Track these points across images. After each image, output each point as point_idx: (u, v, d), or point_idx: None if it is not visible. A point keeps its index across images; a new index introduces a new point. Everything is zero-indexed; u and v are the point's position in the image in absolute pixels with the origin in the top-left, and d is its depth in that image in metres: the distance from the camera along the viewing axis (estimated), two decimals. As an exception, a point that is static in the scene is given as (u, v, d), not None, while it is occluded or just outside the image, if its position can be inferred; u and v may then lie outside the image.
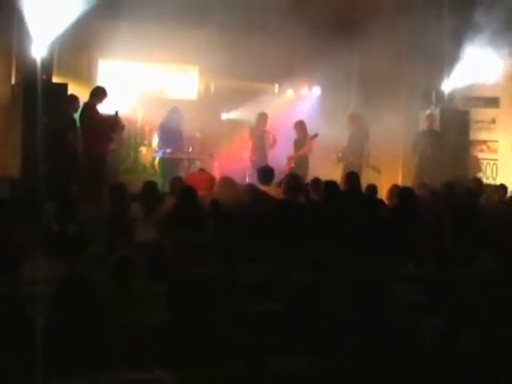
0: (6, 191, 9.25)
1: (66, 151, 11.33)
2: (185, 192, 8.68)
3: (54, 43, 11.58)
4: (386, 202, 9.99)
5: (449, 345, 4.59)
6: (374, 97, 15.23)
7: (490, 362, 4.47)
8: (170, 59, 14.87)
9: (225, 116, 15.80)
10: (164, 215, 8.58)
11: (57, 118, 11.24)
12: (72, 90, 12.02)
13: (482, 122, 15.29)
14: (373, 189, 10.37)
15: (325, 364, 4.24)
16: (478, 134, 15.26)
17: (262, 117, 14.14)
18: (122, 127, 12.07)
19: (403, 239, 8.16)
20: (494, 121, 15.17)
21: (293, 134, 14.26)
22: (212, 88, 15.96)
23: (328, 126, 14.34)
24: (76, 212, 7.79)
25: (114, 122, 11.77)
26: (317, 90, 16.45)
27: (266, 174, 10.28)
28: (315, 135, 13.80)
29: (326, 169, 14.09)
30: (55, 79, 11.96)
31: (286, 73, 15.50)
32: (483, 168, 15.15)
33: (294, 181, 9.79)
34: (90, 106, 11.64)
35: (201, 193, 9.11)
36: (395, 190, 10.11)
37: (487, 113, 15.22)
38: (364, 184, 10.61)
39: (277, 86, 16.51)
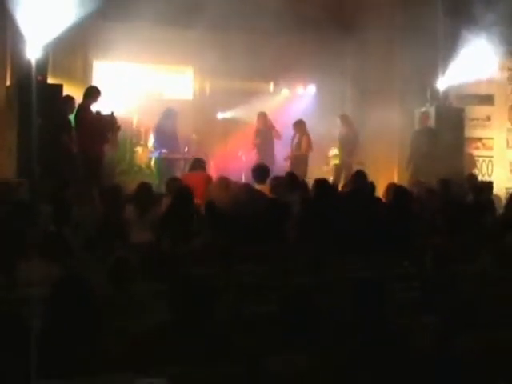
0: (2, 193, 9.23)
1: (61, 152, 11.32)
2: (180, 193, 8.69)
3: (48, 44, 11.56)
4: (384, 199, 10.00)
5: (446, 343, 4.60)
6: (369, 95, 15.26)
7: (488, 361, 4.48)
8: (164, 60, 14.87)
9: (220, 116, 15.80)
10: (159, 216, 8.58)
11: (52, 119, 11.23)
12: (67, 91, 12.01)
13: (477, 119, 15.29)
14: (371, 187, 10.38)
15: (323, 364, 4.25)
16: (473, 132, 15.26)
17: (263, 116, 14.25)
18: (118, 128, 12.06)
19: (399, 237, 8.17)
20: (488, 118, 15.17)
21: (288, 133, 14.27)
22: (207, 88, 15.95)
23: (323, 125, 14.37)
24: (71, 214, 7.81)
25: (109, 122, 11.75)
26: (312, 89, 16.45)
27: (261, 172, 10.29)
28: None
29: (321, 167, 14.15)
30: (50, 80, 11.94)
31: (280, 72, 15.51)
32: (478, 165, 15.16)
33: (277, 180, 9.80)
34: (85, 107, 11.63)
35: (197, 192, 9.12)
36: (392, 189, 10.14)
37: (482, 110, 15.23)
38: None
39: (272, 85, 16.51)
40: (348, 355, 4.30)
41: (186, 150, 13.83)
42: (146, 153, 14.36)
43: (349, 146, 14.38)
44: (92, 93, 11.72)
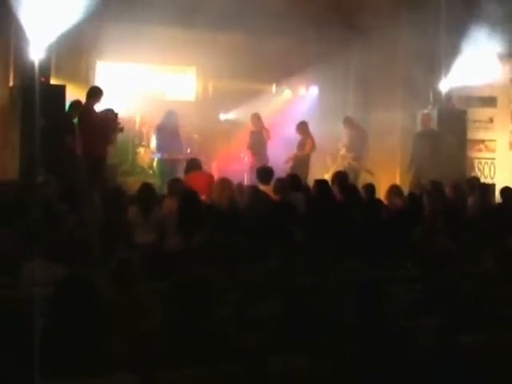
0: (5, 193, 9.25)
1: (64, 153, 11.34)
2: (187, 196, 8.71)
3: (51, 45, 11.58)
4: (385, 201, 10.01)
5: (448, 345, 4.61)
6: (371, 97, 15.27)
7: (489, 361, 4.49)
8: (167, 61, 14.89)
9: (223, 117, 15.81)
10: (162, 217, 8.60)
11: (55, 119, 11.24)
12: (70, 91, 12.03)
13: (480, 121, 15.30)
14: (371, 189, 10.40)
15: (324, 365, 4.26)
16: (475, 134, 15.27)
17: (257, 117, 14.20)
18: (121, 129, 12.06)
19: (400, 238, 8.18)
20: (491, 120, 15.18)
21: (290, 134, 14.27)
22: (210, 89, 15.97)
23: (326, 126, 14.38)
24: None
25: (113, 122, 11.75)
26: (314, 90, 16.46)
27: (265, 174, 10.32)
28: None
29: (323, 168, 14.15)
30: (53, 81, 11.97)
31: (283, 73, 15.52)
32: (481, 167, 15.17)
33: (280, 181, 9.82)
34: (88, 108, 11.63)
35: (202, 192, 9.14)
36: (395, 191, 10.17)
37: (485, 112, 15.23)
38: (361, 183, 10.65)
39: (274, 87, 16.52)
40: (349, 356, 4.31)
41: (189, 151, 13.84)
42: (149, 154, 14.37)
43: (354, 150, 14.33)
44: (95, 93, 11.72)
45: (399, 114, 15.12)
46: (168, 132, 13.48)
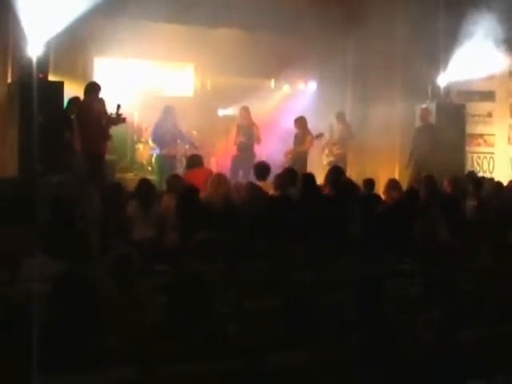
0: (5, 190, 9.25)
1: (63, 149, 11.32)
2: (185, 192, 8.71)
3: (49, 42, 11.55)
4: (384, 196, 10.02)
5: (448, 339, 4.61)
6: (369, 91, 15.26)
7: (489, 355, 4.49)
8: (165, 57, 14.89)
9: (221, 112, 15.80)
10: (161, 213, 8.60)
11: (53, 116, 11.22)
12: (68, 88, 12.00)
13: (479, 115, 15.30)
14: (370, 183, 10.41)
15: (324, 361, 4.25)
16: (474, 128, 15.27)
17: (243, 111, 13.86)
18: (124, 120, 11.98)
19: (400, 233, 8.19)
20: (490, 114, 15.18)
21: (289, 129, 14.23)
22: (208, 85, 15.97)
23: (324, 121, 14.37)
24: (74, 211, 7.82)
25: (114, 118, 11.71)
26: (313, 85, 16.46)
27: (262, 170, 10.31)
28: (320, 135, 13.79)
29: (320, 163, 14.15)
30: (51, 77, 11.94)
31: (281, 68, 15.51)
32: (480, 162, 15.17)
33: (280, 177, 9.81)
34: (86, 104, 11.61)
35: (202, 188, 9.14)
36: (393, 185, 10.17)
37: (483, 107, 15.24)
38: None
39: (273, 82, 16.52)
40: (348, 352, 4.31)
41: (187, 147, 13.82)
42: (147, 150, 14.38)
43: (342, 143, 14.35)
44: (92, 89, 11.67)
45: (398, 109, 15.11)
46: (166, 128, 13.45)
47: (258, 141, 13.70)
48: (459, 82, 14.88)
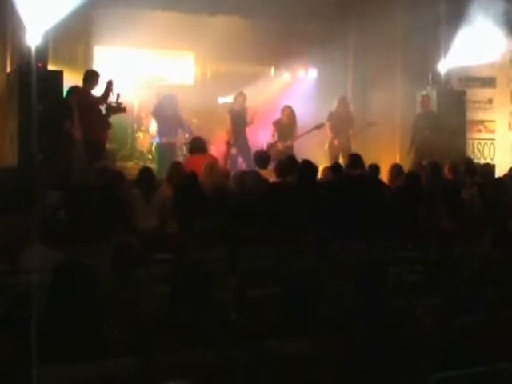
0: (4, 180, 9.24)
1: (63, 139, 11.30)
2: (184, 181, 8.71)
3: (49, 30, 11.51)
4: (387, 182, 10.03)
5: (449, 325, 4.61)
6: (370, 78, 15.22)
7: (489, 341, 4.49)
8: (166, 45, 14.85)
9: (222, 100, 15.78)
10: (162, 201, 8.60)
11: (53, 105, 11.20)
12: (67, 77, 11.96)
13: (479, 102, 15.26)
14: (375, 168, 10.39)
15: (326, 348, 4.25)
16: (474, 115, 15.23)
17: (239, 96, 13.63)
18: (124, 109, 11.96)
19: (402, 220, 8.19)
20: (490, 101, 15.14)
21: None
22: (208, 73, 15.94)
23: (324, 109, 14.32)
24: (77, 199, 7.83)
25: (114, 107, 11.69)
26: (313, 73, 16.42)
27: (263, 158, 10.33)
28: (321, 125, 13.70)
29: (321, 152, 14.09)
30: (50, 67, 11.90)
31: (281, 56, 15.47)
32: (480, 148, 15.15)
33: (282, 164, 9.79)
34: (85, 92, 11.58)
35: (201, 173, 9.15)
36: (396, 170, 10.19)
37: (484, 93, 15.20)
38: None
39: (273, 70, 16.48)
40: (350, 338, 4.30)
41: (187, 135, 13.79)
42: (148, 138, 14.36)
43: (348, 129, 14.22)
44: (91, 77, 11.64)
45: (398, 96, 15.08)
46: (167, 116, 13.43)
47: (249, 123, 13.55)
48: (460, 68, 14.84)
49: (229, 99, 15.46)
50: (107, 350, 4.02)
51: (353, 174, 9.72)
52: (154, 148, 14.01)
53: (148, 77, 15.14)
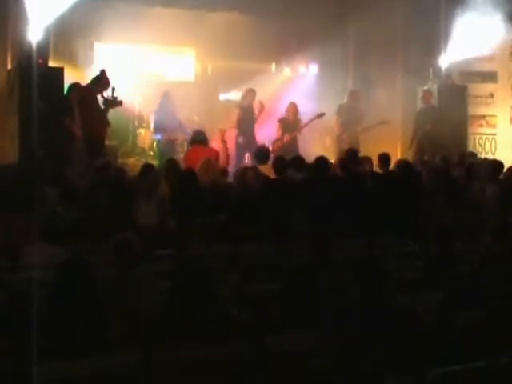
0: (4, 177, 9.24)
1: (64, 135, 11.30)
2: (183, 175, 8.71)
3: (49, 27, 11.51)
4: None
5: (449, 320, 4.62)
6: (371, 73, 15.20)
7: (490, 336, 4.49)
8: (166, 41, 14.84)
9: (222, 97, 15.77)
10: (163, 198, 8.60)
11: (53, 102, 11.20)
12: (68, 73, 11.97)
13: (480, 96, 15.24)
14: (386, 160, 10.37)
15: (325, 343, 4.26)
16: (476, 109, 15.22)
17: (250, 93, 13.62)
18: (120, 102, 11.95)
19: (402, 216, 8.18)
20: (492, 95, 15.12)
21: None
22: (209, 69, 15.93)
23: (325, 104, 14.31)
24: (77, 196, 7.84)
25: (111, 101, 11.68)
26: (314, 68, 16.40)
27: (262, 154, 10.33)
28: (321, 114, 13.67)
29: (323, 148, 14.08)
30: (51, 63, 11.91)
31: (282, 52, 15.47)
32: (482, 143, 15.14)
33: (281, 160, 9.79)
34: (89, 91, 11.58)
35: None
36: (383, 159, 10.20)
37: (485, 88, 15.18)
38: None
39: (274, 65, 16.47)
40: (349, 334, 4.31)
41: (189, 131, 13.80)
42: (149, 135, 14.36)
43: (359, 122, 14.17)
44: (102, 81, 11.62)
45: (399, 90, 15.08)
46: (166, 114, 13.45)
47: (256, 120, 13.59)
48: (461, 62, 14.83)
49: (230, 96, 15.48)
50: (108, 346, 4.02)
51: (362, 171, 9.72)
52: (155, 145, 14.02)
53: (149, 73, 15.13)
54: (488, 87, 15.12)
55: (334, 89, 14.89)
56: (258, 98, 13.82)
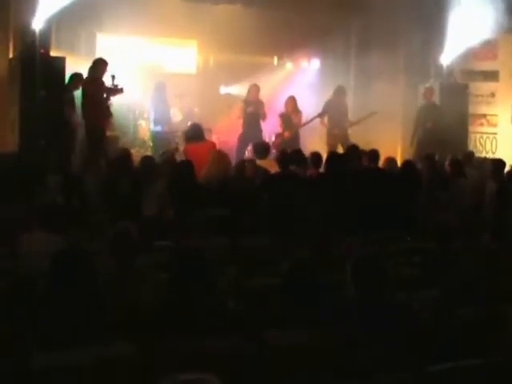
0: (5, 165, 9.24)
1: (64, 125, 11.30)
2: (182, 167, 8.71)
3: (51, 17, 11.50)
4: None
5: (447, 317, 4.62)
6: (373, 70, 15.19)
7: (487, 334, 4.49)
8: (168, 33, 14.83)
9: (224, 89, 15.77)
10: (162, 190, 8.61)
11: (54, 92, 11.20)
12: (70, 64, 11.96)
13: (482, 95, 15.24)
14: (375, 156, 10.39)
15: (324, 339, 4.26)
16: (477, 108, 15.21)
17: (254, 88, 13.70)
18: (121, 90, 11.93)
19: (401, 212, 8.19)
20: (493, 94, 15.12)
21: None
22: (211, 62, 15.92)
23: (327, 99, 14.30)
24: (78, 185, 7.85)
25: (111, 89, 11.67)
26: (316, 63, 16.40)
27: (262, 148, 10.34)
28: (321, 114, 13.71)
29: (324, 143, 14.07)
30: (53, 53, 11.90)
31: (284, 46, 15.46)
32: (483, 142, 15.14)
33: (283, 154, 9.79)
34: (90, 80, 11.57)
35: (202, 163, 9.13)
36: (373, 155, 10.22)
37: (486, 86, 15.17)
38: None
39: (276, 59, 16.46)
40: (348, 330, 4.31)
41: (189, 124, 13.79)
42: (149, 126, 14.35)
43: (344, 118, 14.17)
44: (98, 65, 11.62)
45: (401, 87, 15.07)
46: (160, 105, 13.46)
47: (264, 117, 13.61)
48: (462, 61, 14.82)
49: (231, 89, 15.48)
50: (106, 336, 4.02)
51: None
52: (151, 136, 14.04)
53: (150, 65, 15.11)
54: (489, 86, 15.12)
55: (335, 84, 14.86)
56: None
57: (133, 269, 5.27)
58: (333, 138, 13.88)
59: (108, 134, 12.26)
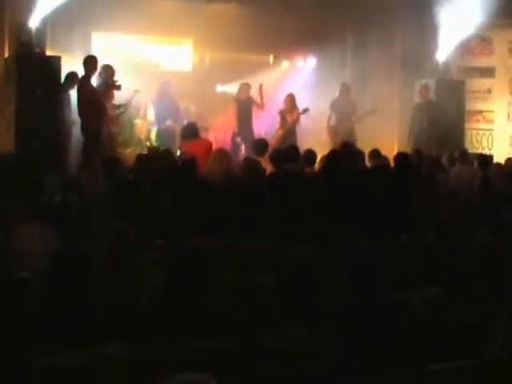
0: (1, 165, 9.23)
1: (60, 124, 11.29)
2: (184, 165, 8.71)
3: (47, 16, 11.49)
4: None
5: (445, 315, 4.62)
6: (369, 67, 15.19)
7: (485, 332, 4.49)
8: (164, 31, 14.80)
9: (220, 88, 15.75)
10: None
11: (50, 91, 11.18)
12: (65, 63, 11.94)
13: (478, 92, 15.26)
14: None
15: (322, 338, 4.25)
16: (473, 105, 15.23)
17: (245, 86, 13.82)
18: (119, 86, 11.93)
19: (399, 209, 8.18)
20: (489, 91, 15.14)
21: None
22: (207, 60, 15.89)
23: (323, 98, 14.30)
24: (75, 185, 7.84)
25: (110, 85, 11.66)
26: (312, 61, 16.39)
27: (261, 146, 10.33)
28: (305, 110, 13.66)
29: (319, 141, 14.06)
30: (48, 52, 11.89)
31: (280, 44, 15.43)
32: (479, 138, 15.15)
33: (279, 153, 9.78)
34: (84, 79, 11.55)
35: (200, 161, 9.12)
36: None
37: (483, 83, 15.20)
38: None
39: (271, 58, 16.44)
40: (347, 329, 4.30)
41: (185, 122, 13.78)
42: (146, 125, 14.34)
43: (350, 117, 14.20)
44: (90, 62, 11.60)
45: (397, 85, 15.07)
46: (165, 103, 13.46)
47: (262, 106, 13.74)
48: (459, 57, 14.83)
49: (227, 87, 15.46)
50: (102, 337, 4.01)
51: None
52: (152, 135, 14.01)
53: (146, 63, 15.09)
54: (486, 82, 15.14)
55: (331, 82, 14.86)
56: (255, 89, 13.86)
57: (131, 268, 5.26)
58: (337, 134, 13.90)
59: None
